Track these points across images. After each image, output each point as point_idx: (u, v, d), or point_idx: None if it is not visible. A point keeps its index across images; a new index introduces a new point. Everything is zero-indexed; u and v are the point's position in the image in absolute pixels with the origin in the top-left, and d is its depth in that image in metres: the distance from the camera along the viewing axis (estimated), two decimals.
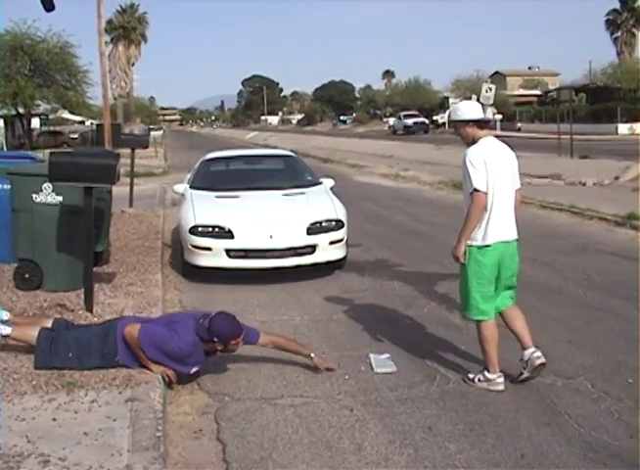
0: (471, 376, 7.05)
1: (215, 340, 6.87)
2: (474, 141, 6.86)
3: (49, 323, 7.38)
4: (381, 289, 10.88)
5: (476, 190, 6.57)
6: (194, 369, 7.06)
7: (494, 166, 6.66)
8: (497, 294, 6.94)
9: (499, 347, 6.93)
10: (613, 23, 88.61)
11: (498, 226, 6.72)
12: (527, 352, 6.91)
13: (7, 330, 7.09)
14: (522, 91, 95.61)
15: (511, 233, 6.87)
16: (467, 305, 6.93)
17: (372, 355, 7.80)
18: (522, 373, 6.92)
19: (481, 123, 6.89)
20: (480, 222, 6.64)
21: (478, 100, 34.70)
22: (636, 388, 6.72)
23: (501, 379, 6.87)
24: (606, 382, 6.91)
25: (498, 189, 6.68)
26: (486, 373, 6.91)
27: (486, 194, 6.59)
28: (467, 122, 6.87)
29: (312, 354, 7.41)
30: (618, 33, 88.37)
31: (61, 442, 5.42)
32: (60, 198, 9.73)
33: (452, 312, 9.32)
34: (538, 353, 6.88)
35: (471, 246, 6.70)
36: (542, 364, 6.85)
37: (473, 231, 6.63)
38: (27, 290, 9.74)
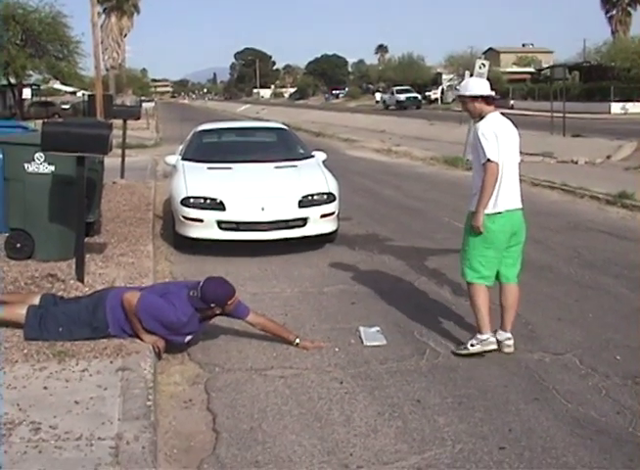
0: (463, 346, 7.24)
1: (213, 305, 6.93)
2: (481, 116, 7.12)
3: (36, 300, 7.36)
4: (371, 262, 10.91)
5: (489, 160, 6.83)
6: (188, 338, 7.10)
7: (503, 140, 6.98)
8: (503, 262, 7.19)
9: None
10: (608, 2, 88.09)
11: (507, 195, 7.01)
12: (503, 335, 7.20)
13: None
14: (515, 68, 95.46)
15: (517, 202, 7.17)
16: (468, 269, 7.17)
17: (362, 328, 7.84)
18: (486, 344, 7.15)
19: (489, 99, 7.16)
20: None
21: (471, 76, 34.69)
22: (624, 365, 6.78)
23: (493, 338, 7.11)
24: (594, 358, 6.95)
25: (506, 161, 6.98)
26: (478, 335, 7.13)
27: (498, 164, 6.84)
28: (476, 98, 7.13)
29: (297, 340, 7.41)
30: (614, 12, 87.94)
31: (52, 410, 5.44)
32: (52, 168, 9.70)
33: (442, 287, 9.36)
34: (510, 342, 7.19)
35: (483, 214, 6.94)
36: (509, 353, 7.15)
37: (489, 200, 6.88)
38: (19, 259, 9.73)
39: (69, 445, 4.93)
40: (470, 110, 7.23)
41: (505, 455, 5.21)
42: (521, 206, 7.21)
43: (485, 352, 7.06)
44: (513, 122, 7.30)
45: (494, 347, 7.08)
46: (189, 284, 7.24)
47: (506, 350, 7.15)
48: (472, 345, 7.14)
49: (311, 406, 6.05)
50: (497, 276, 7.27)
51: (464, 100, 7.25)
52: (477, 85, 7.26)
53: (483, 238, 6.98)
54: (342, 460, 5.17)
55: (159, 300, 6.92)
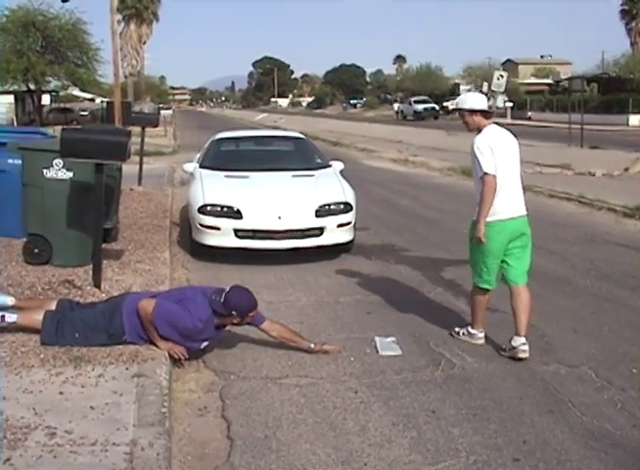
0: (457, 330, 7.93)
1: (233, 313, 6.96)
2: (479, 129, 7.47)
3: (53, 305, 7.39)
4: (387, 273, 10.90)
5: (486, 174, 7.16)
6: (204, 344, 7.12)
7: (500, 151, 7.29)
8: (510, 265, 7.47)
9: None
10: (628, 14, 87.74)
11: (506, 204, 7.31)
12: (518, 340, 7.31)
13: (13, 317, 7.07)
14: (533, 80, 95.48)
15: (519, 209, 7.47)
16: (476, 274, 7.60)
17: (377, 338, 7.83)
18: (503, 350, 7.45)
19: (486, 113, 7.51)
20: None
21: (489, 87, 34.73)
22: None
23: (481, 335, 7.72)
24: (610, 371, 6.93)
25: (505, 171, 7.29)
26: (470, 328, 7.78)
27: (495, 176, 7.15)
28: (474, 112, 7.46)
29: (312, 345, 7.43)
30: (633, 24, 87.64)
31: (67, 415, 5.46)
32: (70, 174, 9.74)
33: (458, 298, 9.35)
34: (525, 347, 7.27)
35: (485, 222, 7.24)
36: (523, 358, 7.24)
37: (488, 211, 7.17)
38: (36, 265, 9.78)
39: (84, 450, 4.94)
40: (468, 123, 7.54)
41: (519, 467, 5.19)
42: (524, 212, 7.50)
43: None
44: (512, 133, 7.71)
45: (481, 342, 7.69)
46: (206, 290, 7.25)
47: (521, 355, 7.24)
48: (463, 333, 7.85)
49: (326, 415, 6.05)
50: (506, 282, 7.57)
51: (462, 113, 7.57)
52: (475, 100, 7.59)
53: (483, 246, 7.32)
54: None
55: (174, 306, 6.94)
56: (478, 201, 7.30)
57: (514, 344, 7.29)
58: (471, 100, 7.59)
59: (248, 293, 7.13)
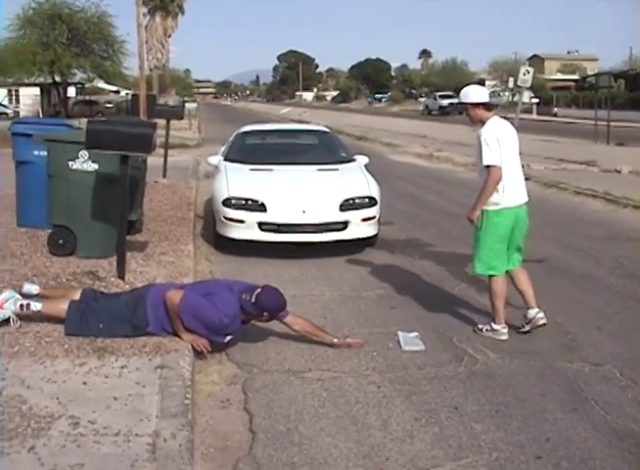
0: (480, 326, 8.00)
1: (265, 314, 7.00)
2: (482, 122, 7.82)
3: (77, 295, 7.44)
4: (411, 267, 10.88)
5: (491, 166, 7.54)
6: (227, 338, 7.13)
7: (505, 142, 7.68)
8: (509, 253, 7.92)
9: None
10: None
11: (512, 192, 7.73)
12: (532, 312, 7.89)
13: (37, 306, 7.12)
14: (559, 75, 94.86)
15: (522, 197, 7.90)
16: (478, 262, 7.91)
17: (400, 333, 7.82)
18: (523, 326, 7.93)
19: (488, 106, 7.88)
20: (498, 189, 7.60)
21: (515, 83, 34.54)
22: None
23: (505, 330, 7.83)
24: (634, 370, 6.87)
25: (510, 160, 7.71)
26: (493, 324, 7.89)
27: (500, 168, 7.53)
28: (477, 105, 7.81)
29: (335, 339, 7.42)
30: None
31: (91, 405, 5.49)
32: (95, 165, 9.77)
33: (482, 294, 9.30)
34: (541, 314, 7.87)
35: (487, 210, 7.70)
36: (544, 324, 7.86)
37: (488, 200, 7.63)
38: (61, 256, 9.83)
39: (107, 440, 4.97)
40: (471, 116, 7.90)
41: (542, 465, 5.17)
42: (526, 200, 7.94)
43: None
44: (513, 125, 8.24)
45: (505, 337, 7.77)
46: (231, 285, 7.26)
47: (541, 322, 7.83)
48: (486, 330, 7.92)
49: (348, 410, 6.05)
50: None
51: (466, 107, 7.92)
52: (477, 93, 7.90)
53: (493, 232, 7.72)
54: (377, 464, 5.16)
55: (201, 299, 6.95)
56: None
57: (530, 316, 7.87)
58: (473, 93, 7.88)
59: (279, 293, 7.13)
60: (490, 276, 7.86)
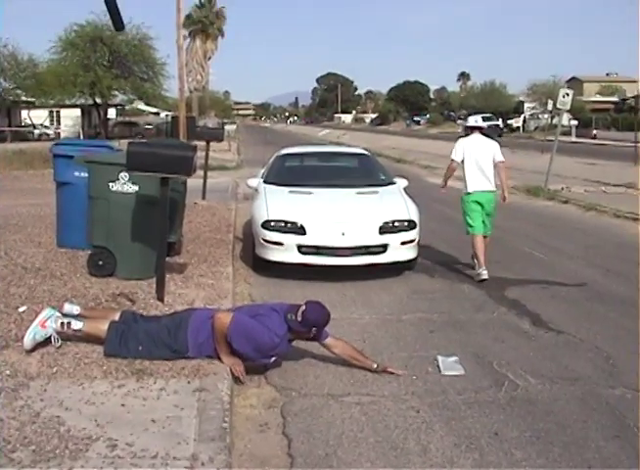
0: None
1: (314, 330, 7.00)
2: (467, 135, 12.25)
3: (117, 316, 7.45)
4: (450, 291, 10.82)
5: (452, 159, 12.02)
6: (273, 359, 7.13)
7: (469, 147, 11.86)
8: (481, 221, 11.79)
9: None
10: None
11: (474, 181, 11.74)
12: (481, 269, 11.34)
13: (79, 325, 7.14)
14: (598, 98, 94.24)
15: (486, 186, 11.77)
16: (466, 225, 11.86)
17: (440, 357, 7.75)
18: (474, 277, 11.49)
19: (473, 128, 12.24)
20: (465, 180, 11.82)
21: (554, 105, 34.33)
22: None
23: (484, 271, 11.29)
24: None
25: (474, 160, 11.76)
26: (476, 269, 11.45)
27: (453, 161, 12.02)
28: (471, 127, 12.29)
29: (375, 365, 7.35)
30: None
31: (129, 427, 5.47)
32: (136, 187, 9.83)
33: (522, 318, 9.23)
34: (485, 272, 11.28)
35: (463, 193, 11.88)
36: (486, 279, 11.23)
37: (446, 180, 12.60)
38: (100, 277, 9.87)
39: (145, 462, 4.95)
40: (468, 133, 12.21)
41: None
42: (491, 189, 11.83)
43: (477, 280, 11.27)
44: (492, 138, 12.65)
45: (484, 277, 11.23)
46: (275, 306, 7.26)
47: (483, 276, 11.25)
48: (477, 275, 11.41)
49: (387, 435, 5.98)
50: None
51: (468, 127, 12.50)
52: (471, 120, 12.51)
53: (468, 206, 11.76)
54: None
55: (252, 321, 6.94)
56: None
57: (478, 271, 11.36)
58: (470, 121, 12.53)
59: (322, 306, 7.14)
60: (471, 235, 11.70)
